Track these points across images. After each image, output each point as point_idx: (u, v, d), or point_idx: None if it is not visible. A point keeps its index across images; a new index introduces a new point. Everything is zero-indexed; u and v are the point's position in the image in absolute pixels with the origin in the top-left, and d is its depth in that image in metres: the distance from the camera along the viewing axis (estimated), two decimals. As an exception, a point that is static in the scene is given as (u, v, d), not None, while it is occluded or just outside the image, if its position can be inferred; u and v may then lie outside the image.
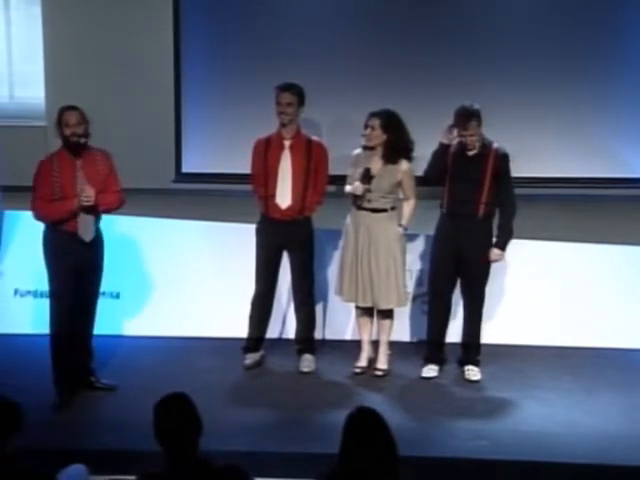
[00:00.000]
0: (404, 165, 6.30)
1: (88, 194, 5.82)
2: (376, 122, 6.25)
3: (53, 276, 6.01)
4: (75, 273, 5.95)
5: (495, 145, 6.29)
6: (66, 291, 5.98)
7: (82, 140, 5.87)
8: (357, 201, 6.35)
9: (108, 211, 6.04)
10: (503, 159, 6.27)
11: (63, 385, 6.04)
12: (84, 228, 5.91)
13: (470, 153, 6.26)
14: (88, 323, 6.15)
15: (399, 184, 6.34)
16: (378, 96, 7.08)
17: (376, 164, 6.29)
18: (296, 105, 6.35)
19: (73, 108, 5.89)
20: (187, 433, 3.80)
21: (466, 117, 6.14)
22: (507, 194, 6.29)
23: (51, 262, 6.00)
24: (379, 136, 6.26)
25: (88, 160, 5.94)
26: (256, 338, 6.63)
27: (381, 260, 6.34)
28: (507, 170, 6.30)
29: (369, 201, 6.32)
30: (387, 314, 6.48)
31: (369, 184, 6.26)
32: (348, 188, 6.37)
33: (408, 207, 6.40)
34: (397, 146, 6.28)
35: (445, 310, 6.49)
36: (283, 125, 6.38)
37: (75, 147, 5.88)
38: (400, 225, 6.39)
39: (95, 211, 5.91)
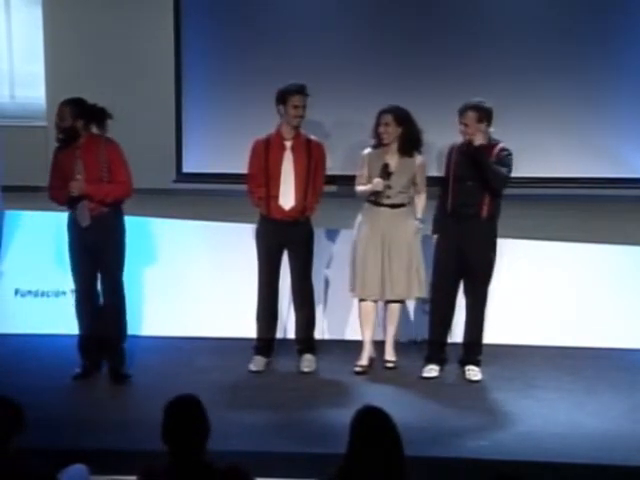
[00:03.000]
0: (419, 159, 6.39)
1: (72, 186, 6.03)
2: (389, 117, 6.29)
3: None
4: (82, 259, 6.18)
5: (500, 145, 6.27)
6: (75, 275, 6.26)
7: (60, 135, 6.07)
8: (376, 198, 6.36)
9: (105, 201, 6.09)
10: (502, 152, 6.20)
11: (86, 352, 6.35)
12: (79, 214, 6.13)
13: (473, 153, 6.25)
14: (106, 319, 6.28)
15: (414, 178, 6.38)
16: (379, 97, 7.05)
17: (391, 160, 6.32)
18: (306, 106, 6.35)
19: (63, 103, 6.06)
20: (195, 436, 3.80)
21: (464, 108, 6.17)
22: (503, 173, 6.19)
23: (67, 243, 6.25)
24: (395, 130, 6.30)
25: (87, 149, 6.07)
26: (266, 339, 6.62)
27: (403, 253, 6.40)
28: (507, 164, 6.20)
29: (388, 197, 6.35)
30: (396, 306, 6.56)
31: (389, 180, 6.28)
32: (361, 188, 6.38)
33: (420, 201, 6.49)
34: (412, 137, 6.34)
35: (447, 310, 6.48)
36: (296, 127, 6.36)
37: (57, 139, 6.09)
38: (417, 219, 6.46)
39: (89, 200, 6.06)
